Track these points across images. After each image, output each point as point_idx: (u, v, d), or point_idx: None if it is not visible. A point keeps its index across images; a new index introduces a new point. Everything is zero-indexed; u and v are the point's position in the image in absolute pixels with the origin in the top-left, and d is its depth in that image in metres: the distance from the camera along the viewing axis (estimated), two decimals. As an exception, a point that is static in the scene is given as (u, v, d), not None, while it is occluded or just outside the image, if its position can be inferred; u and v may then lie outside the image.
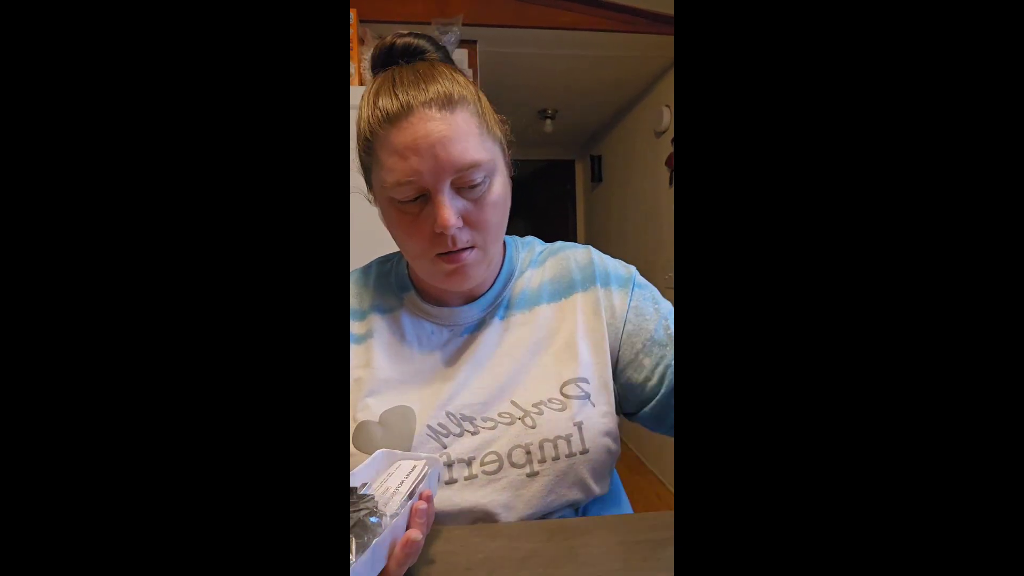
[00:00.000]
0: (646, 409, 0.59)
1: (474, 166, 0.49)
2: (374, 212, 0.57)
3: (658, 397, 0.57)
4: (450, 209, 0.49)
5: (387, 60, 0.54)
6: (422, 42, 0.54)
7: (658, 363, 0.57)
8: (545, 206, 3.99)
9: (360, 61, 1.54)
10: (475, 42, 1.99)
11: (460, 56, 1.74)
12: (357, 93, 1.46)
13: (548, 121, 2.97)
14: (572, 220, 3.87)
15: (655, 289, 0.62)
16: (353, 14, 1.52)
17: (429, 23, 1.58)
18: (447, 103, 0.48)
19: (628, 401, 0.60)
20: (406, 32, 0.54)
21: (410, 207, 0.51)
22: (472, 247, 0.52)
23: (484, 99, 0.53)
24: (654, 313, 0.59)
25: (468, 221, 0.51)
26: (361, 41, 1.56)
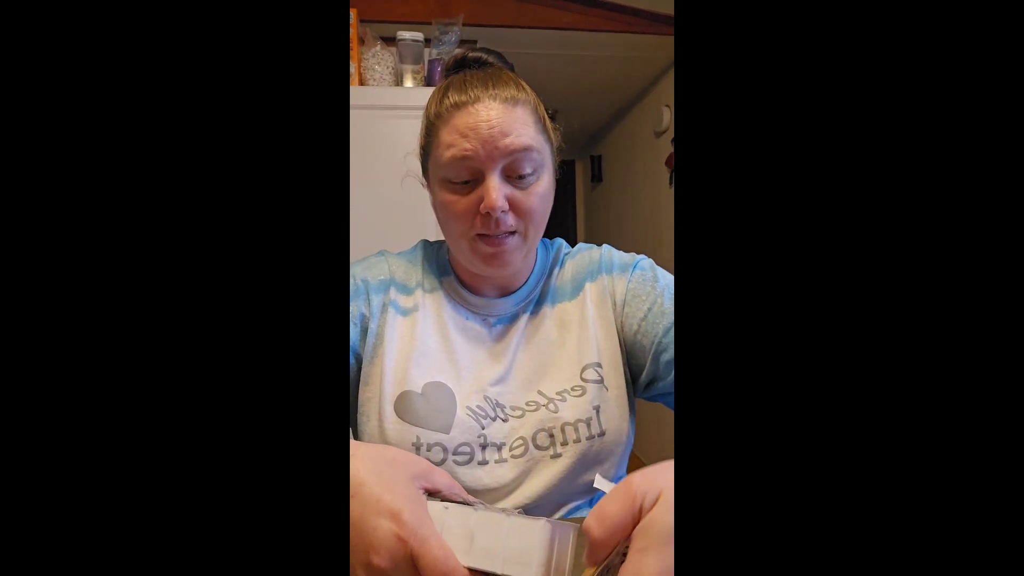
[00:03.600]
0: (660, 384, 0.60)
1: (526, 150, 0.53)
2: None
3: (659, 372, 0.59)
4: (499, 191, 0.52)
5: (459, 68, 0.60)
6: (492, 57, 0.60)
7: (653, 342, 0.58)
8: (545, 206, 3.98)
9: (360, 61, 1.54)
10: (475, 42, 1.99)
11: (460, 56, 1.74)
12: (357, 93, 1.46)
13: (548, 121, 2.96)
14: (572, 220, 3.87)
15: (660, 270, 0.63)
16: (353, 14, 1.52)
17: (429, 23, 1.58)
18: (510, 100, 0.54)
19: (638, 380, 0.62)
20: (479, 48, 0.61)
21: (461, 188, 0.54)
22: (514, 232, 0.55)
23: (542, 106, 0.58)
24: (650, 291, 0.60)
25: (514, 206, 0.54)
26: (361, 41, 1.56)
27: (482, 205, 0.52)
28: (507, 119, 0.52)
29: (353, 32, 1.51)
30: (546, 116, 0.58)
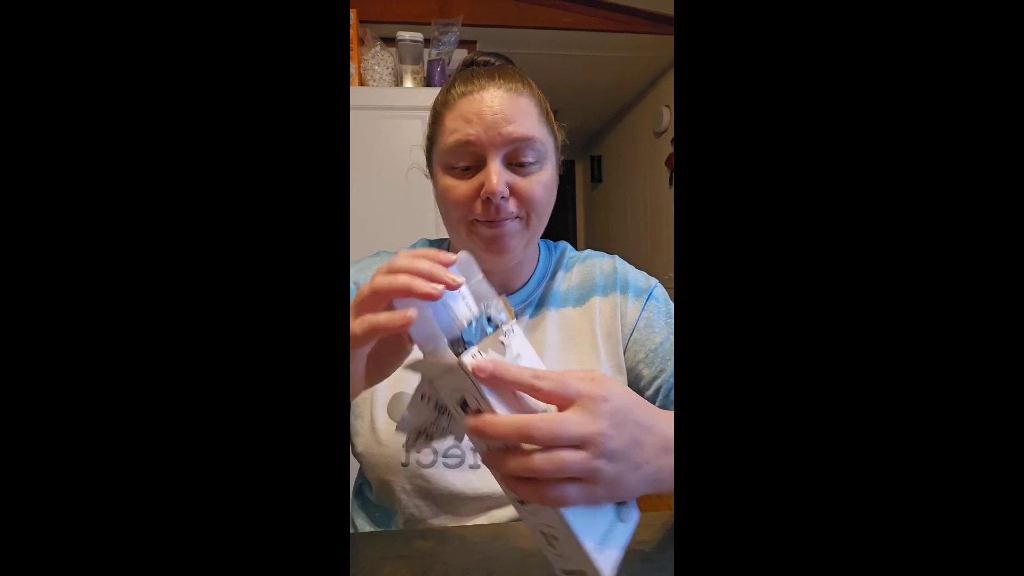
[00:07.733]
0: None
1: (527, 140, 0.53)
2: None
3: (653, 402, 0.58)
4: (500, 176, 0.52)
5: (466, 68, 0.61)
6: (498, 60, 0.62)
7: (657, 375, 0.58)
8: (545, 206, 3.98)
9: (360, 61, 1.54)
10: (475, 42, 1.99)
11: (460, 56, 1.74)
12: (357, 93, 1.46)
13: (548, 121, 2.97)
14: (572, 220, 3.87)
15: (674, 306, 0.63)
16: (353, 14, 1.52)
17: (429, 23, 1.58)
18: (514, 90, 0.55)
19: None
20: (487, 52, 0.63)
21: (462, 173, 0.55)
22: (516, 217, 0.55)
23: (547, 103, 0.59)
24: (664, 327, 0.60)
25: (515, 193, 0.54)
26: (361, 41, 1.56)
27: (483, 190, 0.52)
28: (511, 107, 0.53)
29: (353, 32, 1.51)
30: (550, 112, 0.59)
